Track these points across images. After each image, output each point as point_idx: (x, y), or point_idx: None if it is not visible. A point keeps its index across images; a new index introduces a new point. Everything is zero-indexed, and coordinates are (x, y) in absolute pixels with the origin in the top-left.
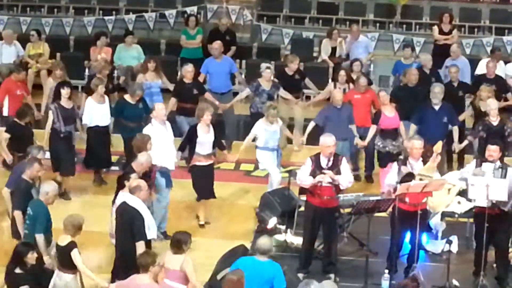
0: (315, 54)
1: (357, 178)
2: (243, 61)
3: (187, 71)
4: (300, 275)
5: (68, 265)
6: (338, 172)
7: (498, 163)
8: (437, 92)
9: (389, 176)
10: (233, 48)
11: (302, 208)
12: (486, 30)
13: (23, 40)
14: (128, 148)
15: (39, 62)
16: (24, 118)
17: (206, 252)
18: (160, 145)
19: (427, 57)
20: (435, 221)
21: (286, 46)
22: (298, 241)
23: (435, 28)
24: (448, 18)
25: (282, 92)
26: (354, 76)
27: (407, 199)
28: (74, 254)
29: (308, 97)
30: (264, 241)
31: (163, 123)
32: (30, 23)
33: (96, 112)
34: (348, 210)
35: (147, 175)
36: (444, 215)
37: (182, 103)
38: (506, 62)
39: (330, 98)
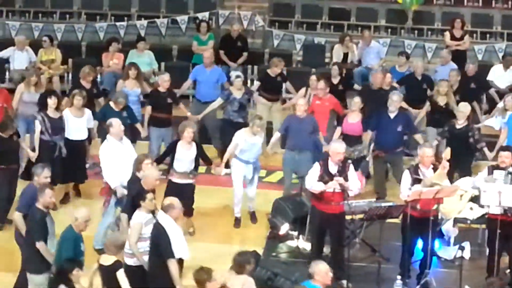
0: (327, 60)
1: None
2: (255, 67)
3: (164, 80)
4: None
5: (115, 284)
6: (346, 178)
7: (510, 169)
8: (394, 100)
9: (403, 184)
10: (245, 54)
11: None
12: (498, 36)
13: (35, 46)
14: None
15: (51, 68)
16: (6, 130)
17: (218, 257)
18: (116, 162)
19: (418, 63)
20: (447, 227)
21: (298, 52)
22: (310, 247)
23: (447, 34)
24: (460, 24)
25: (255, 97)
26: (333, 81)
27: (418, 206)
28: (121, 274)
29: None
30: (311, 265)
31: (120, 139)
32: (42, 29)
33: (72, 125)
34: (360, 216)
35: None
36: (456, 221)
37: (155, 112)
38: None
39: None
